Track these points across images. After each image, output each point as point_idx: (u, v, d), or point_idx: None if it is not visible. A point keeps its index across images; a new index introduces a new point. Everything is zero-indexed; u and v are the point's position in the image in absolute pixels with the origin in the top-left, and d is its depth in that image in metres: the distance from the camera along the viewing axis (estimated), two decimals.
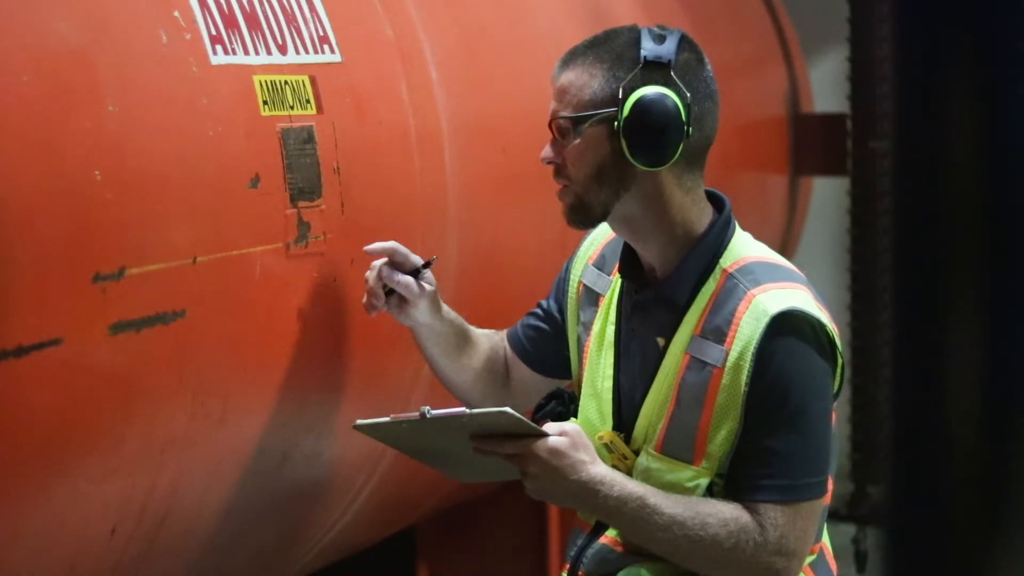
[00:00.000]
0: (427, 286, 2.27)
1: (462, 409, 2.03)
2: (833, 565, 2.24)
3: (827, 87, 5.23)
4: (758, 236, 2.25)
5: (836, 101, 5.02)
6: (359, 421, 2.11)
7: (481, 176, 2.81)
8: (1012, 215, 0.83)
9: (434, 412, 2.02)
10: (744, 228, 2.21)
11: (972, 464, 0.85)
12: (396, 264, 2.26)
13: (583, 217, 2.17)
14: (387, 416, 2.08)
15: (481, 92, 2.88)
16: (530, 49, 3.10)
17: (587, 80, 2.12)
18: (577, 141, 2.13)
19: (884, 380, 0.87)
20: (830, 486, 2.16)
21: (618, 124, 2.09)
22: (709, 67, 2.16)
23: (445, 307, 2.34)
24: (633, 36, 2.13)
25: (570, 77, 2.14)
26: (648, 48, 2.10)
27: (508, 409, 2.02)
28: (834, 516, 4.73)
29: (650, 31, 2.13)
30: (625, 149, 2.09)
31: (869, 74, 4.79)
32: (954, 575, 0.86)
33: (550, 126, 2.17)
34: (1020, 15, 0.82)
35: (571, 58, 2.16)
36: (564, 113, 2.14)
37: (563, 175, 2.16)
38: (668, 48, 2.10)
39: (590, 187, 2.13)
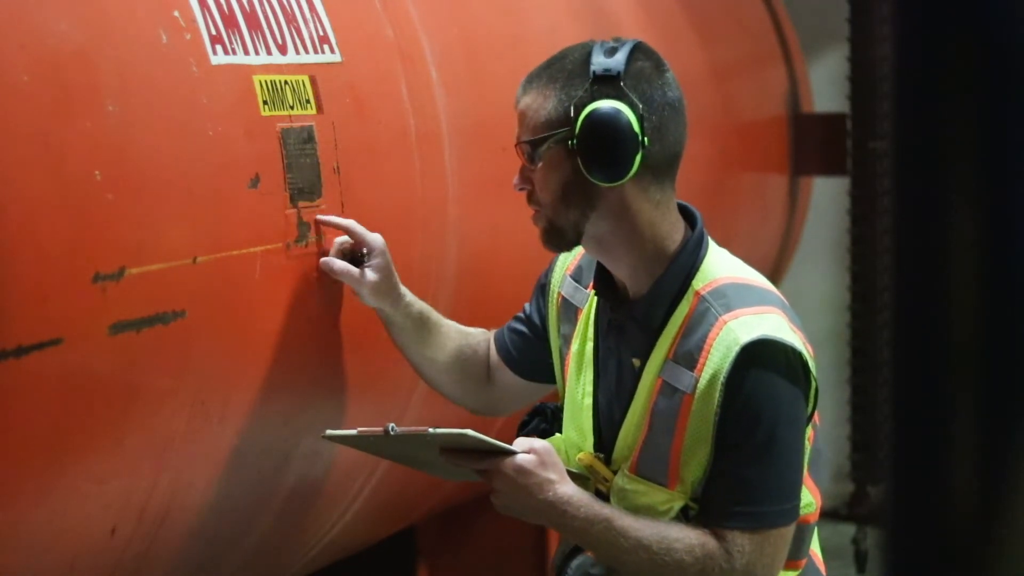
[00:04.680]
0: (370, 274, 2.28)
1: (426, 428, 2.04)
2: (823, 570, 2.24)
3: (827, 87, 5.23)
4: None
5: (836, 101, 5.01)
6: (329, 431, 2.14)
7: (481, 176, 2.81)
8: (1012, 214, 0.83)
9: (399, 429, 2.03)
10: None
11: (972, 464, 0.85)
12: (352, 245, 2.29)
13: (557, 240, 2.16)
14: (355, 429, 2.09)
15: (481, 92, 2.88)
16: (530, 49, 3.10)
17: (542, 102, 2.11)
18: (540, 165, 2.12)
19: (884, 380, 0.87)
20: (818, 500, 2.16)
21: (572, 142, 2.08)
22: (669, 74, 2.13)
23: (409, 297, 2.34)
24: (585, 52, 2.11)
25: (527, 101, 2.13)
26: (597, 62, 2.08)
27: (469, 431, 2.02)
28: (834, 516, 4.73)
29: (602, 44, 2.11)
30: (581, 166, 2.08)
31: (869, 74, 4.79)
32: (954, 575, 0.86)
33: (517, 152, 2.16)
34: (1020, 15, 0.82)
35: (528, 82, 2.15)
36: (524, 138, 2.14)
37: (534, 200, 2.16)
38: (618, 60, 2.08)
39: (558, 209, 2.12)
